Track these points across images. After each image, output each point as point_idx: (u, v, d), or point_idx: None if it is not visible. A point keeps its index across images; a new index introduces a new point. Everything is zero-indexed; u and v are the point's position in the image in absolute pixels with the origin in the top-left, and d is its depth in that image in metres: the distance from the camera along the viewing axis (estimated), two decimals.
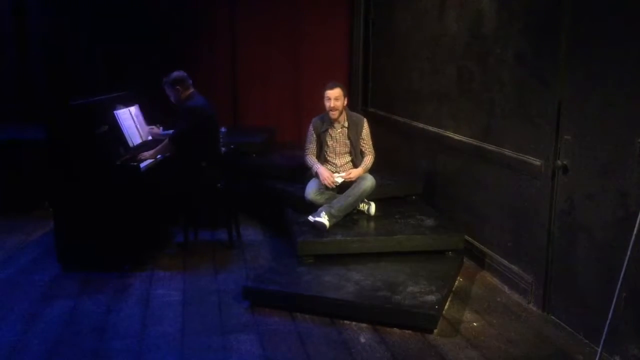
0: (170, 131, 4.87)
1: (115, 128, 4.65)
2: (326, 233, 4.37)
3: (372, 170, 4.93)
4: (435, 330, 3.51)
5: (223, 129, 5.37)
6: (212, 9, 7.08)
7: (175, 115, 4.85)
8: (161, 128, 5.46)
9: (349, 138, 4.84)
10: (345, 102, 4.79)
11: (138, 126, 5.03)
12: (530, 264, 3.89)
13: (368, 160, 4.88)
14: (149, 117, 5.29)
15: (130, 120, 4.92)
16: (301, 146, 5.64)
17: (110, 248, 4.43)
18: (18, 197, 5.95)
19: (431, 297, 3.64)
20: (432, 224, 4.60)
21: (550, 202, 3.63)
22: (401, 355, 3.27)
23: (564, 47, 3.46)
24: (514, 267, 4.06)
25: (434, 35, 5.21)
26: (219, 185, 4.86)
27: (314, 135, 4.88)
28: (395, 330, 3.53)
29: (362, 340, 3.44)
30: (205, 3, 7.07)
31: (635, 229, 2.71)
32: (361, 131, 4.85)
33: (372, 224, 4.65)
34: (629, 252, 2.75)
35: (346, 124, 4.85)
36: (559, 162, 3.53)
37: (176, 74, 4.75)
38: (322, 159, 4.90)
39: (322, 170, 4.76)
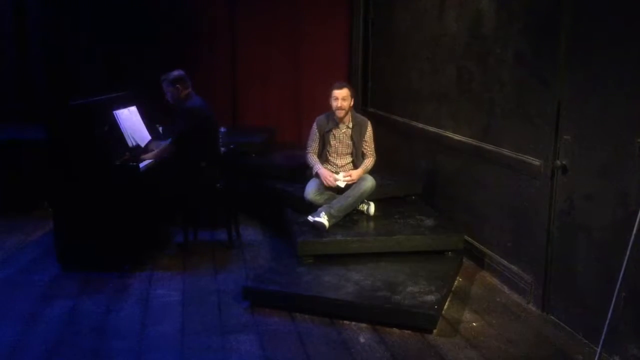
0: (168, 141, 4.86)
1: (115, 128, 4.65)
2: (326, 233, 4.37)
3: (371, 170, 4.93)
4: (435, 330, 3.51)
5: (223, 129, 5.37)
6: (211, 9, 7.08)
7: (173, 115, 4.84)
8: (160, 128, 5.46)
9: (352, 139, 4.84)
10: (352, 103, 4.80)
11: (137, 126, 5.03)
12: (529, 264, 3.89)
13: (369, 162, 4.88)
14: (149, 117, 5.28)
15: (130, 120, 4.92)
16: (301, 146, 5.65)
17: (110, 248, 4.43)
18: (18, 197, 5.95)
19: (431, 297, 3.65)
20: (431, 224, 4.60)
21: (550, 202, 3.63)
22: (401, 355, 3.27)
23: (564, 47, 3.46)
24: (514, 267, 4.06)
25: (433, 35, 5.21)
26: (218, 185, 4.87)
27: (317, 134, 4.87)
28: (395, 330, 3.53)
29: (362, 340, 3.44)
30: (205, 3, 7.07)
31: (635, 229, 2.71)
32: (365, 133, 4.86)
33: (371, 224, 4.65)
34: (628, 252, 2.75)
35: (351, 125, 4.85)
36: (558, 162, 3.53)
37: (176, 72, 4.75)
38: (323, 158, 4.90)
39: (323, 171, 4.76)
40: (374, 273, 4.03)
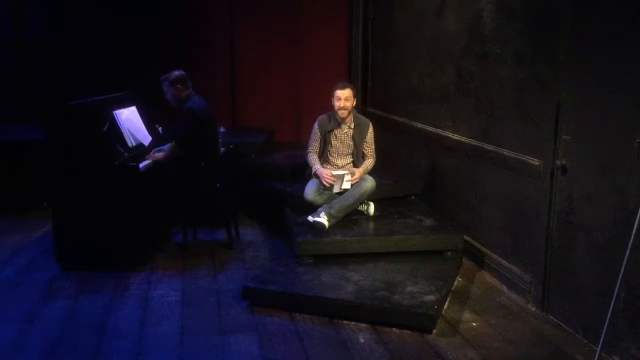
0: (166, 146, 4.85)
1: (114, 128, 4.65)
2: (325, 233, 4.37)
3: (371, 171, 4.93)
4: (434, 330, 3.51)
5: (222, 129, 5.37)
6: (211, 9, 7.08)
7: (174, 115, 4.84)
8: (160, 128, 5.46)
9: (353, 139, 4.84)
10: (354, 103, 4.80)
11: (137, 126, 5.03)
12: (529, 264, 3.89)
13: (369, 162, 4.88)
14: (148, 117, 5.28)
15: (129, 120, 4.92)
16: (301, 146, 5.65)
17: (110, 248, 4.43)
18: (17, 197, 5.95)
19: (430, 297, 3.65)
20: (431, 224, 4.60)
21: (549, 202, 3.63)
22: (400, 355, 3.27)
23: (564, 47, 3.46)
24: (513, 267, 4.06)
25: (433, 35, 5.22)
26: (218, 185, 4.87)
27: (319, 134, 4.87)
28: (394, 330, 3.53)
29: (361, 340, 3.44)
30: (205, 3, 7.07)
31: (634, 228, 2.71)
32: (366, 134, 4.85)
33: (371, 224, 4.65)
34: (627, 252, 2.75)
35: (352, 125, 4.85)
36: (558, 162, 3.53)
37: (177, 72, 4.74)
38: (324, 158, 4.89)
39: (321, 170, 4.76)
40: (373, 273, 4.03)
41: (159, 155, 4.72)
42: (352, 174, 4.73)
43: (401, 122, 5.93)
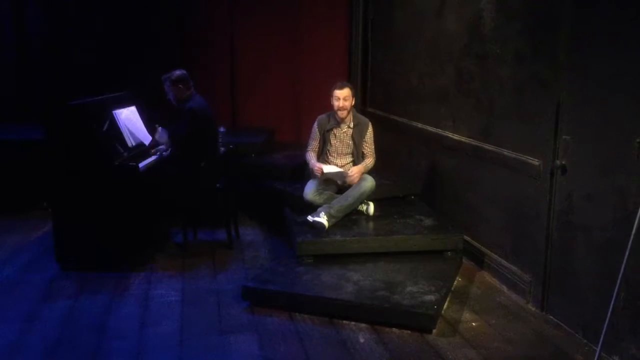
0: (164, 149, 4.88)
1: (114, 128, 4.65)
2: (325, 233, 4.37)
3: (371, 170, 4.93)
4: (434, 330, 3.51)
5: (222, 129, 5.37)
6: (211, 8, 7.08)
7: (174, 115, 4.84)
8: (160, 128, 5.45)
9: (352, 139, 4.84)
10: (353, 102, 4.80)
11: (136, 126, 5.03)
12: (529, 263, 3.89)
13: (369, 161, 4.88)
14: (148, 117, 5.28)
15: (129, 120, 4.92)
16: (301, 146, 5.65)
17: (109, 248, 4.43)
18: (17, 197, 5.95)
19: (430, 297, 3.65)
20: (430, 224, 4.60)
21: (549, 202, 3.63)
22: (400, 355, 3.27)
23: (564, 47, 3.46)
24: (513, 267, 4.06)
25: (433, 35, 5.22)
26: (218, 185, 4.86)
27: (318, 133, 4.87)
28: (394, 330, 3.53)
29: (361, 340, 3.44)
30: (205, 3, 7.07)
31: (634, 228, 2.71)
32: (365, 133, 4.85)
33: (371, 224, 4.65)
34: (627, 252, 2.75)
35: (352, 125, 4.85)
36: (557, 162, 3.53)
37: (179, 72, 4.73)
38: (323, 157, 4.89)
39: (313, 163, 4.77)
40: (373, 273, 4.03)
41: (154, 158, 4.72)
42: (351, 172, 4.71)
43: (401, 122, 5.93)
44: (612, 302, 2.81)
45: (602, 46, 3.17)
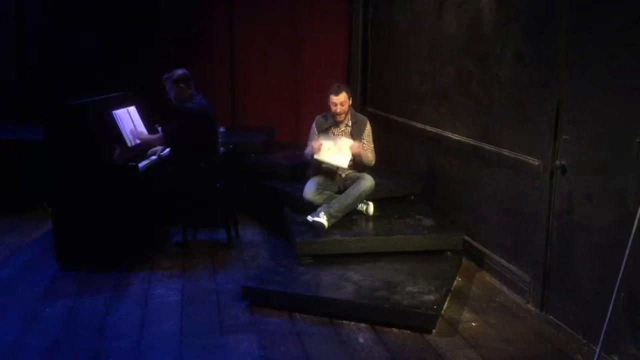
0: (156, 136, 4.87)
1: (114, 128, 4.64)
2: (325, 233, 4.37)
3: (371, 170, 4.93)
4: (434, 330, 3.51)
5: (222, 129, 5.36)
6: (210, 8, 7.08)
7: (174, 115, 4.83)
8: (159, 128, 5.44)
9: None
10: (350, 103, 4.80)
11: (136, 126, 5.02)
12: (528, 263, 3.89)
13: (369, 152, 4.86)
14: (148, 117, 5.28)
15: (129, 120, 4.91)
16: (300, 146, 5.65)
17: (109, 248, 4.43)
18: (17, 197, 5.95)
19: (430, 297, 3.65)
20: (430, 224, 4.60)
21: (549, 202, 3.63)
22: (400, 355, 3.27)
23: (563, 47, 3.46)
24: (513, 267, 4.06)
25: (433, 35, 5.22)
26: (217, 185, 4.86)
27: (317, 134, 4.87)
28: (394, 330, 3.53)
29: (361, 340, 3.44)
30: (204, 2, 7.07)
31: (634, 228, 2.71)
32: (363, 131, 4.85)
33: (370, 224, 4.65)
34: (627, 252, 2.75)
35: (350, 123, 4.85)
36: (557, 162, 3.53)
37: (181, 72, 4.71)
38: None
39: (312, 143, 4.75)
40: (373, 273, 4.03)
41: (143, 137, 4.76)
42: (351, 145, 4.65)
43: (401, 122, 5.92)
44: (612, 302, 2.81)
45: (602, 46, 3.17)
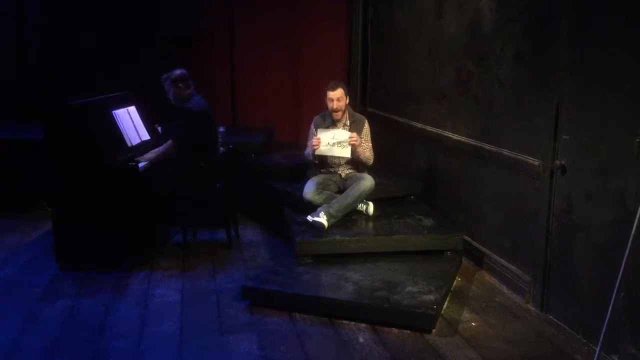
0: (168, 143, 4.85)
1: (114, 128, 4.65)
2: (325, 233, 4.37)
3: (371, 170, 4.93)
4: (434, 330, 3.51)
5: (222, 129, 5.37)
6: (211, 8, 7.08)
7: (173, 115, 4.83)
8: (159, 128, 5.45)
9: None
10: (347, 101, 4.80)
11: (136, 126, 5.03)
12: (528, 263, 3.89)
13: (367, 151, 4.86)
14: (148, 117, 5.28)
15: (129, 120, 4.92)
16: (300, 146, 5.65)
17: (109, 248, 4.43)
18: (16, 197, 5.95)
19: (430, 297, 3.65)
20: (430, 223, 4.60)
21: (549, 202, 3.63)
22: (400, 355, 3.27)
23: (563, 47, 3.46)
24: (513, 267, 4.06)
25: (433, 35, 5.22)
26: (217, 185, 4.86)
27: (315, 134, 4.86)
28: (394, 330, 3.53)
29: (361, 340, 3.44)
30: (204, 2, 7.07)
31: (634, 228, 2.71)
32: (362, 130, 4.85)
33: (370, 224, 4.65)
34: (627, 252, 2.75)
35: (348, 123, 4.85)
36: (557, 162, 3.53)
37: (179, 71, 4.72)
38: (321, 157, 4.88)
39: (311, 141, 4.76)
40: (373, 273, 4.03)
41: (152, 155, 4.69)
42: (351, 135, 4.63)
43: (401, 122, 5.92)
44: (611, 302, 2.81)
45: (602, 46, 3.17)
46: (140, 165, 4.46)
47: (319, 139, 4.68)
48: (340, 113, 4.75)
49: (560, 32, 3.47)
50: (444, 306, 3.80)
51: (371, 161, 4.88)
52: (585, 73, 3.30)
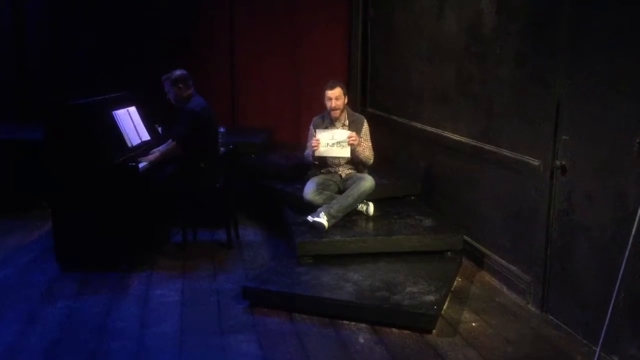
0: (168, 142, 4.84)
1: (114, 128, 4.65)
2: (325, 233, 4.37)
3: (371, 171, 4.93)
4: (434, 331, 3.51)
5: (222, 129, 5.36)
6: (211, 9, 7.08)
7: (174, 116, 4.84)
8: (160, 128, 5.45)
9: None
10: (346, 101, 4.80)
11: (136, 126, 5.03)
12: (528, 264, 3.89)
13: (367, 150, 4.86)
14: (148, 117, 5.28)
15: (129, 120, 4.92)
16: (300, 146, 5.65)
17: (109, 248, 4.43)
18: (17, 197, 5.95)
19: (430, 297, 3.65)
20: (430, 224, 4.60)
21: (549, 203, 3.63)
22: (400, 355, 3.27)
23: (563, 47, 3.46)
24: (513, 267, 4.06)
25: (433, 35, 5.22)
26: (217, 185, 4.86)
27: (314, 135, 4.86)
28: (394, 330, 3.53)
29: (361, 340, 3.44)
30: (205, 2, 7.07)
31: (634, 229, 2.71)
32: (361, 129, 4.85)
33: (370, 224, 4.65)
34: (627, 252, 2.75)
35: (347, 122, 4.85)
36: (557, 162, 3.53)
37: (179, 72, 4.72)
38: (321, 157, 4.88)
39: (310, 142, 4.76)
40: (373, 273, 4.03)
41: (153, 156, 4.69)
42: (350, 134, 4.62)
43: (401, 123, 5.92)
44: (612, 302, 2.81)
45: (602, 46, 3.17)
46: (141, 165, 4.46)
47: (318, 140, 4.68)
48: (338, 112, 4.75)
49: (560, 32, 3.47)
50: (444, 306, 3.80)
51: (371, 160, 4.89)
52: (585, 73, 3.30)
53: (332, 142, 4.66)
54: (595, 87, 3.23)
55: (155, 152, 4.73)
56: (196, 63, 6.63)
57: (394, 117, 6.11)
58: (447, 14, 4.92)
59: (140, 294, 4.08)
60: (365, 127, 4.90)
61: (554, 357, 3.26)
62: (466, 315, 3.75)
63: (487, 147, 4.31)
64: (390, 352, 3.30)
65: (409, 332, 3.51)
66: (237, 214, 5.26)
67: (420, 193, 5.31)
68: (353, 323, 3.62)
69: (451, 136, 4.86)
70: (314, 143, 4.68)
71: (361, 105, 6.94)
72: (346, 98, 4.80)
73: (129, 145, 4.73)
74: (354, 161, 4.87)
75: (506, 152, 4.07)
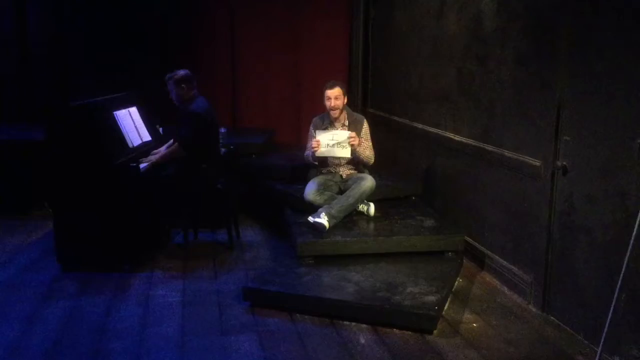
0: (169, 142, 4.84)
1: (115, 129, 4.65)
2: (326, 234, 4.37)
3: (371, 171, 4.93)
4: (435, 331, 3.51)
5: (222, 130, 5.36)
6: (211, 9, 7.09)
7: (176, 116, 4.83)
8: (161, 129, 5.45)
9: None
10: (345, 101, 4.80)
11: (137, 127, 5.03)
12: (530, 264, 3.89)
13: (368, 150, 4.86)
14: (149, 117, 5.28)
15: (130, 121, 4.92)
16: (301, 147, 5.65)
17: (110, 248, 4.44)
18: (17, 197, 5.95)
19: (431, 298, 3.65)
20: (431, 224, 4.60)
21: (550, 203, 3.63)
22: (401, 355, 3.27)
23: (564, 48, 3.46)
24: (514, 268, 4.06)
25: (433, 36, 5.22)
26: (218, 186, 4.86)
27: (314, 135, 4.86)
28: (395, 330, 3.53)
29: (362, 340, 3.44)
30: (205, 3, 7.08)
31: (635, 229, 2.71)
32: (361, 129, 4.85)
33: (371, 225, 4.65)
34: (628, 253, 2.75)
35: (346, 123, 4.85)
36: (558, 163, 3.53)
37: (183, 72, 4.70)
38: (321, 158, 4.88)
39: (310, 143, 4.76)
40: (374, 274, 4.03)
41: (155, 158, 4.68)
42: (351, 134, 4.61)
43: (402, 123, 5.93)
44: (613, 303, 2.81)
45: (603, 46, 3.17)
46: (142, 165, 4.46)
47: (318, 141, 4.68)
48: (337, 112, 4.75)
49: (561, 32, 3.47)
50: (445, 307, 3.80)
51: (372, 160, 4.89)
52: (586, 74, 3.30)
53: (333, 142, 4.67)
54: (596, 88, 3.23)
55: (158, 154, 4.73)
56: (197, 64, 6.65)
57: (395, 118, 6.11)
58: (448, 15, 4.92)
59: (141, 294, 4.09)
60: (365, 127, 4.90)
61: (555, 358, 3.25)
62: (467, 315, 3.75)
63: (488, 147, 4.31)
64: (391, 352, 3.30)
65: (409, 332, 3.51)
66: (238, 215, 5.26)
67: (421, 193, 5.31)
68: (354, 323, 3.62)
69: (452, 137, 4.86)
70: (314, 144, 4.68)
71: (362, 105, 6.95)
72: (346, 98, 4.80)
73: (130, 145, 4.74)
74: (355, 161, 4.87)
75: (507, 153, 4.07)
